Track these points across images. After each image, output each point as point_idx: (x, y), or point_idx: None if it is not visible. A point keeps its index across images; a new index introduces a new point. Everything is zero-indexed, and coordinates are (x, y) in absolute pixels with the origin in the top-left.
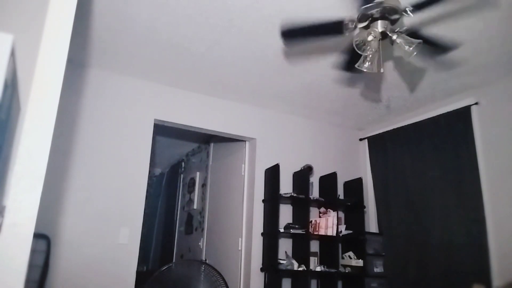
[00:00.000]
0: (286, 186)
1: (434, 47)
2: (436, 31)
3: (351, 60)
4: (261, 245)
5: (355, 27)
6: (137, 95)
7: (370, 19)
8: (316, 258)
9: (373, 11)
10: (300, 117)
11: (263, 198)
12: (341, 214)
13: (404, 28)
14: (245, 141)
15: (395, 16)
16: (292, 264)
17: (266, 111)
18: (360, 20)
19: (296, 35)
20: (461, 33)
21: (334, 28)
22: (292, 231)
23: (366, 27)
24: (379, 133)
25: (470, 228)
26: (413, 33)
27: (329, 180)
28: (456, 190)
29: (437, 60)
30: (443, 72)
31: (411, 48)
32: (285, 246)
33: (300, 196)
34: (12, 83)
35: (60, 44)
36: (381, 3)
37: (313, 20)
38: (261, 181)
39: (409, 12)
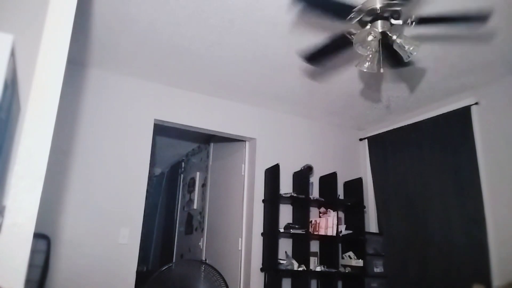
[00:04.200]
0: (286, 186)
1: (463, 22)
2: (435, 29)
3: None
4: (261, 245)
5: (360, 19)
6: (137, 95)
7: (374, 16)
8: (316, 258)
9: (362, 17)
10: (300, 117)
11: (263, 198)
12: (341, 214)
13: (414, 17)
14: (245, 141)
15: (398, 22)
16: (292, 264)
17: (266, 111)
18: (368, 13)
19: (317, 57)
20: (461, 33)
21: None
22: (292, 231)
23: (365, 24)
24: (379, 133)
25: (470, 228)
26: (425, 19)
27: (329, 180)
28: (456, 190)
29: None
30: (442, 72)
31: (411, 48)
32: (285, 246)
33: (300, 196)
34: (12, 83)
35: (60, 44)
36: (402, 3)
37: (321, 42)
38: (261, 181)
39: (411, 23)
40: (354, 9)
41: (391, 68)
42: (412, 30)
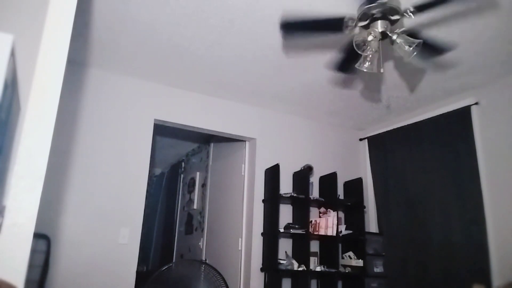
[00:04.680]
0: (286, 186)
1: (430, 49)
2: (436, 31)
3: (346, 60)
4: (261, 245)
5: (355, 25)
6: (137, 95)
7: (371, 18)
8: (316, 258)
9: (375, 11)
10: (300, 117)
11: (263, 198)
12: (341, 214)
13: (403, 29)
14: (245, 141)
15: (396, 17)
16: (292, 264)
17: (266, 111)
18: (361, 19)
19: (296, 28)
20: (461, 33)
21: (334, 25)
22: (292, 231)
23: (366, 27)
24: (379, 133)
25: (470, 228)
26: (411, 35)
27: (329, 180)
28: (456, 190)
29: (434, 61)
30: (442, 72)
31: (411, 48)
32: (285, 246)
33: (300, 196)
34: (12, 83)
35: (60, 44)
36: (384, 3)
37: (313, 16)
38: (261, 181)
39: (409, 14)
40: (344, 20)
41: (428, 59)
42: (414, 20)
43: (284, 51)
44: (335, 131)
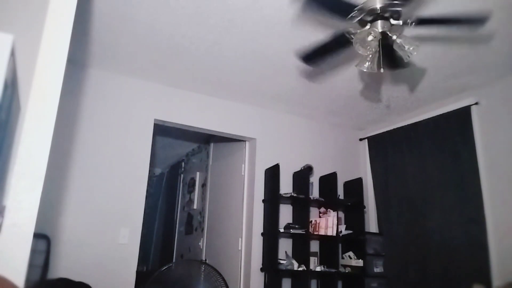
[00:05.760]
0: (286, 186)
1: (462, 24)
2: (435, 30)
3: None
4: (261, 245)
5: (361, 18)
6: (137, 95)
7: (375, 15)
8: (316, 258)
9: (363, 15)
10: (300, 117)
11: (263, 198)
12: (341, 214)
13: (413, 18)
14: (245, 141)
15: (397, 22)
16: (292, 264)
17: (266, 111)
18: (368, 13)
19: (313, 57)
20: (461, 34)
21: (341, 41)
22: (292, 231)
23: (364, 23)
24: (379, 133)
25: (470, 228)
26: (425, 20)
27: (329, 180)
28: (456, 190)
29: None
30: (443, 70)
31: (411, 48)
32: (285, 246)
33: (300, 196)
34: (12, 83)
35: (60, 44)
36: (361, 8)
37: (320, 40)
38: (261, 181)
39: (411, 23)
40: (355, 8)
41: (389, 70)
42: (412, 31)
43: (286, 55)
44: (335, 131)
